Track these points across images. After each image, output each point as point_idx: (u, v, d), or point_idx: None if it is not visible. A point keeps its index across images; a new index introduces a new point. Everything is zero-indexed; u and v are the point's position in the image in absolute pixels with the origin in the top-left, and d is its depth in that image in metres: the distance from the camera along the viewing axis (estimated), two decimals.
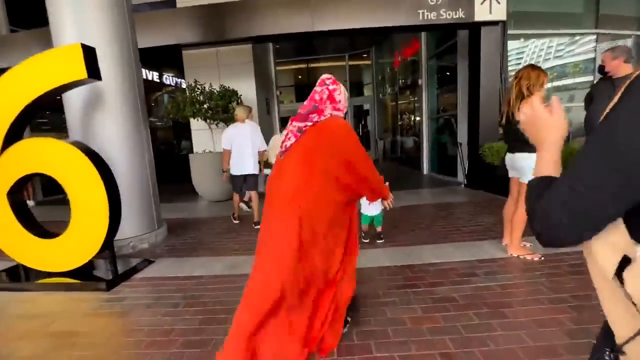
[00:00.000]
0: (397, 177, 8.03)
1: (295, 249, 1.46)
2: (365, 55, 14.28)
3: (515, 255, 2.72)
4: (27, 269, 2.88)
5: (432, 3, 5.06)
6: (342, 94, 1.65)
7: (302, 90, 15.45)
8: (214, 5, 5.70)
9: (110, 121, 3.34)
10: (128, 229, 3.50)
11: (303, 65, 15.09)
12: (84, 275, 2.82)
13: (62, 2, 3.17)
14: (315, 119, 1.57)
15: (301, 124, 1.58)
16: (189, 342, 1.83)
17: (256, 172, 4.23)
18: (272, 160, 4.62)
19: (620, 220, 0.49)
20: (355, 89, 15.04)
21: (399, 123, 11.15)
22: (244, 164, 4.11)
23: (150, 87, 11.94)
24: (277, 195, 1.56)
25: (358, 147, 1.59)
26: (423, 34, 7.69)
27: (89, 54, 2.59)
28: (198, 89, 5.77)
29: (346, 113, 1.73)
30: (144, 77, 11.84)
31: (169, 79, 12.36)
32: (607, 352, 0.56)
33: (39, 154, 2.68)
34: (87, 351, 1.81)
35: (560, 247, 0.57)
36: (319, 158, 1.50)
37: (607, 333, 0.57)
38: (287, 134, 1.62)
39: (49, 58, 2.56)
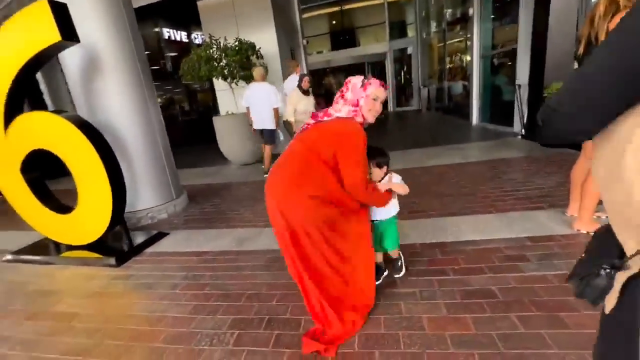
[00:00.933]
0: (440, 130, 7.13)
1: None
2: None
3: (584, 232, 2.10)
4: (56, 242, 2.98)
5: None
6: (349, 90, 1.58)
7: (337, 37, 14.15)
8: None
9: (110, 89, 3.12)
10: (145, 200, 3.46)
11: (336, 9, 13.64)
12: (103, 249, 2.83)
13: None
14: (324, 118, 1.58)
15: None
16: (175, 335, 1.67)
17: (272, 127, 4.66)
18: (290, 117, 4.28)
19: None
20: (396, 31, 13.36)
21: (446, 66, 9.73)
22: (262, 120, 4.63)
23: (180, 48, 11.74)
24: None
25: (354, 150, 1.49)
26: None
27: (59, 10, 2.27)
28: (214, 44, 5.34)
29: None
30: (172, 37, 11.63)
31: (198, 37, 11.98)
32: (606, 269, 0.53)
33: (38, 129, 2.57)
34: (79, 338, 1.74)
35: (559, 144, 0.37)
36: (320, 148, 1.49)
37: (602, 248, 0.57)
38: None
39: (17, 24, 2.30)
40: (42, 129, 2.56)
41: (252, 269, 2.23)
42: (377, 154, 1.72)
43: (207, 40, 5.39)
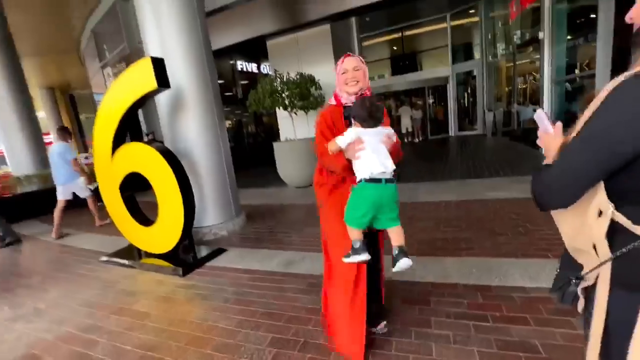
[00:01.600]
0: (505, 158, 6.67)
1: None
2: (473, 11, 12.05)
3: None
4: (139, 249, 3.55)
5: None
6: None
7: (398, 61, 14.29)
8: None
9: (189, 121, 3.71)
10: (210, 217, 3.93)
11: (396, 35, 13.85)
12: (173, 259, 3.29)
13: (147, 18, 3.58)
14: None
15: None
16: (222, 345, 1.90)
17: None
18: None
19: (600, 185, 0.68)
20: (460, 54, 13.01)
21: (515, 90, 9.15)
22: None
23: (250, 78, 13.07)
24: None
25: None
26: None
27: (158, 65, 2.86)
28: (278, 78, 5.91)
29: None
30: (244, 69, 13.02)
31: (265, 68, 13.22)
32: (573, 280, 0.77)
33: (133, 157, 3.18)
34: (149, 335, 2.09)
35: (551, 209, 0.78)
36: None
37: (568, 266, 0.79)
38: None
39: (128, 76, 2.95)
40: (137, 156, 3.15)
41: (294, 291, 2.41)
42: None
43: (272, 74, 5.99)
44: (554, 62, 6.15)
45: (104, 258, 3.61)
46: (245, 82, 13.44)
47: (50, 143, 18.40)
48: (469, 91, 13.53)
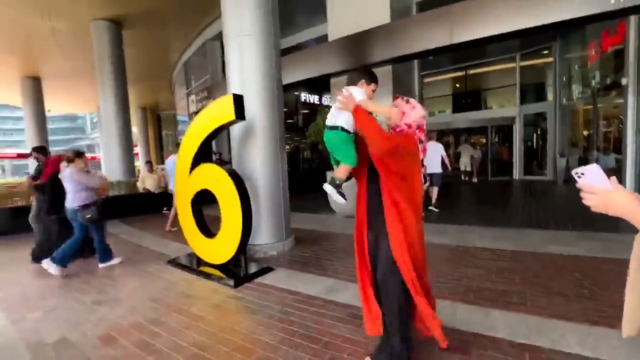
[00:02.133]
0: (578, 210, 6.06)
1: None
2: (546, 52, 11.53)
3: None
4: (199, 257, 3.98)
5: None
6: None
7: (460, 99, 14.07)
8: (357, 35, 6.10)
9: (255, 149, 4.17)
10: (263, 237, 4.25)
11: (460, 73, 13.75)
12: (227, 271, 3.62)
13: (232, 58, 4.21)
14: None
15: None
16: (264, 357, 2.07)
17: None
18: None
19: None
20: (530, 94, 12.38)
21: (594, 136, 8.38)
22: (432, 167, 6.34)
23: (311, 108, 13.99)
24: None
25: None
26: (633, 17, 5.54)
27: (238, 100, 3.35)
28: None
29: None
30: (306, 100, 14.00)
31: (326, 100, 14.02)
32: None
33: (206, 176, 3.67)
34: (201, 337, 2.35)
35: None
36: None
37: None
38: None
39: (212, 108, 3.49)
40: (210, 176, 3.63)
41: (332, 318, 2.51)
42: None
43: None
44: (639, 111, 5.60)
45: (170, 261, 4.10)
46: (307, 111, 14.37)
47: (137, 154, 21.33)
48: (538, 133, 12.65)
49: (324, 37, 7.81)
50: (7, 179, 25.03)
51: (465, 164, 12.13)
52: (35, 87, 14.45)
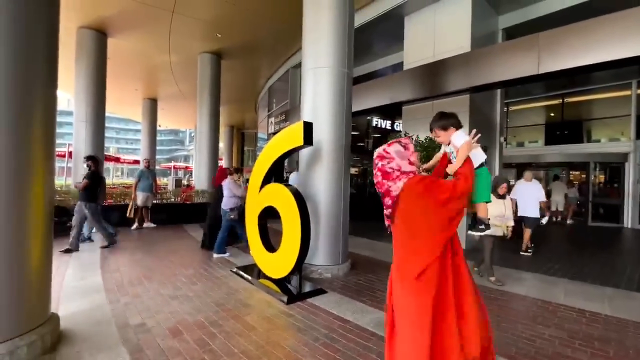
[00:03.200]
0: None
1: None
2: None
3: None
4: (259, 269, 4.26)
5: None
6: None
7: (555, 129, 12.47)
8: (432, 64, 6.02)
9: (321, 172, 4.37)
10: (319, 258, 4.36)
11: (555, 102, 12.25)
12: (283, 286, 3.79)
13: (307, 86, 4.55)
14: None
15: None
16: None
17: (536, 215, 5.78)
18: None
19: None
20: None
21: None
22: (525, 209, 5.77)
23: (382, 132, 14.04)
24: None
25: None
26: None
27: (307, 127, 3.61)
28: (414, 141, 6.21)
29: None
30: (377, 125, 14.10)
31: (398, 126, 13.92)
32: None
33: (273, 194, 3.97)
34: (251, 346, 2.51)
35: None
36: None
37: None
38: None
39: (284, 133, 3.82)
40: (276, 194, 3.91)
41: (378, 354, 2.42)
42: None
43: (403, 135, 6.34)
44: None
45: (234, 269, 4.47)
46: (378, 135, 14.42)
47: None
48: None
49: (400, 65, 7.88)
50: (124, 180, 30.44)
51: (557, 202, 10.56)
52: (152, 107, 17.59)
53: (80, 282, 3.87)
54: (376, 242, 6.64)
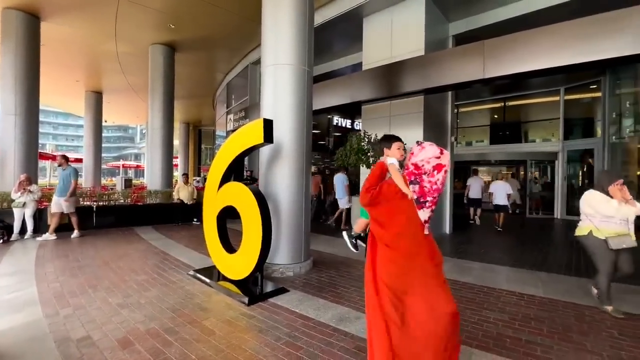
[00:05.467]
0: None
1: None
2: (594, 86, 10.94)
3: None
4: (219, 271, 4.10)
5: None
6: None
7: (497, 130, 13.63)
8: (390, 65, 6.24)
9: (282, 170, 4.33)
10: (281, 257, 4.32)
11: (498, 105, 13.38)
12: (243, 287, 3.70)
13: (266, 83, 4.48)
14: None
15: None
16: None
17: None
18: None
19: None
20: (575, 129, 11.70)
21: None
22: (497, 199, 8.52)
23: (342, 131, 14.29)
24: None
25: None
26: None
27: (268, 125, 3.55)
28: (367, 138, 6.38)
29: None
30: (338, 124, 14.31)
31: (358, 125, 14.24)
32: None
33: (232, 193, 3.85)
34: (210, 351, 2.41)
35: None
36: None
37: None
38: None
39: (243, 130, 3.72)
40: (236, 194, 3.80)
41: (340, 349, 2.47)
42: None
43: (361, 134, 6.50)
44: None
45: (191, 272, 4.27)
46: (338, 134, 14.64)
47: (176, 165, 22.74)
48: (584, 170, 11.81)
49: (360, 65, 8.06)
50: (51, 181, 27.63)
51: (514, 197, 11.83)
52: (96, 100, 16.11)
53: (11, 295, 3.44)
54: (337, 238, 6.75)
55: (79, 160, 18.15)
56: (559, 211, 11.51)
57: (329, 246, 6.04)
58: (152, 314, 3.04)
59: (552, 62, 4.18)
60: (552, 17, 4.74)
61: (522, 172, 13.31)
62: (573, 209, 11.42)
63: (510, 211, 8.77)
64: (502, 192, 8.48)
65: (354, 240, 2.30)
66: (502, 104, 13.28)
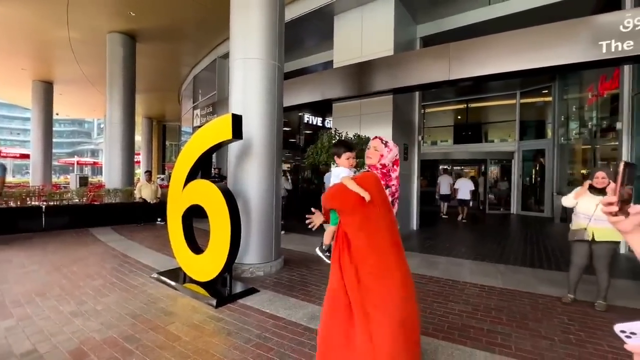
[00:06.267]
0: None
1: None
2: (546, 91, 11.83)
3: None
4: (185, 273, 3.92)
5: (625, 30, 3.77)
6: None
7: (461, 130, 14.33)
8: (361, 64, 6.30)
9: (252, 168, 4.21)
10: (251, 256, 4.21)
11: (461, 106, 14.06)
12: (211, 289, 3.56)
13: (237, 80, 4.34)
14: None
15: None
16: None
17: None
18: None
19: None
20: (529, 130, 12.59)
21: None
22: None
23: (313, 129, 14.27)
24: None
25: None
26: (627, 65, 5.73)
27: (236, 120, 3.42)
28: (337, 136, 6.40)
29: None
30: (309, 121, 14.26)
31: (329, 123, 14.29)
32: None
33: (199, 191, 3.68)
34: (176, 358, 2.28)
35: None
36: None
37: None
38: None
39: (211, 125, 3.57)
40: (203, 192, 3.64)
41: (311, 348, 2.44)
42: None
43: (332, 132, 6.51)
44: (634, 154, 5.68)
45: (155, 275, 4.04)
46: (309, 132, 14.60)
47: (138, 162, 21.51)
48: (536, 169, 12.75)
49: (331, 63, 8.07)
50: (9, 179, 25.11)
51: (480, 193, 12.66)
52: (46, 91, 14.76)
53: None
54: (308, 236, 6.72)
55: (26, 156, 16.57)
56: (515, 207, 12.32)
57: (302, 244, 6.00)
58: (110, 321, 2.83)
59: (508, 67, 4.45)
60: (515, 24, 5.02)
61: (483, 170, 14.12)
62: (528, 205, 12.32)
63: (471, 204, 10.12)
64: (465, 189, 9.70)
65: (327, 254, 2.24)
66: (465, 105, 13.96)
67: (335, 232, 1.95)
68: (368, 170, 1.97)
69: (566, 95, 10.63)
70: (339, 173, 2.11)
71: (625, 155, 5.84)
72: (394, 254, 1.78)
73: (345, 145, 2.18)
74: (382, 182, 1.92)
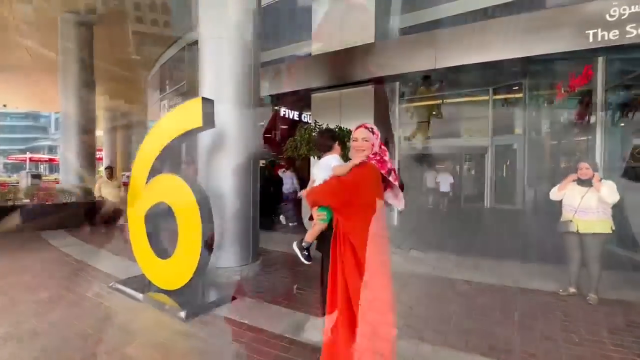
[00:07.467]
0: (551, 242, 6.10)
1: None
2: (516, 87, 12.17)
3: None
4: (149, 281, 3.44)
5: (611, 19, 3.73)
6: None
7: (435, 126, 14.54)
8: (341, 51, 5.99)
9: (226, 161, 3.78)
10: (226, 259, 3.80)
11: (438, 102, 14.20)
12: (181, 297, 3.11)
13: (207, 63, 3.88)
14: None
15: None
16: None
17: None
18: None
19: None
20: (501, 126, 12.94)
21: (557, 170, 8.71)
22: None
23: (290, 123, 13.84)
24: None
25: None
26: (600, 59, 5.84)
27: (207, 105, 2.99)
28: (317, 128, 6.07)
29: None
30: (286, 115, 13.82)
31: (306, 117, 13.92)
32: None
33: (165, 187, 3.22)
34: None
35: None
36: None
37: None
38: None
39: (179, 111, 3.11)
40: (170, 188, 3.18)
41: None
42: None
43: (312, 124, 6.17)
44: (606, 149, 5.82)
45: (113, 284, 3.53)
46: (285, 126, 14.14)
47: (100, 159, 20.01)
48: (508, 164, 13.15)
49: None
50: None
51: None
52: None
53: None
54: (289, 235, 6.36)
55: None
56: (488, 200, 12.63)
57: (282, 244, 5.61)
58: (53, 345, 2.34)
59: (498, 55, 4.33)
60: (496, 14, 4.93)
61: (459, 165, 14.38)
62: (501, 198, 12.67)
63: (451, 195, 11.44)
64: (446, 182, 10.94)
65: (305, 252, 2.09)
66: (441, 100, 14.10)
67: (334, 233, 1.75)
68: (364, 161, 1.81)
69: (536, 92, 10.96)
70: (329, 162, 1.99)
71: (599, 149, 5.97)
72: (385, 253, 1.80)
73: (334, 137, 2.21)
74: (383, 171, 1.81)
